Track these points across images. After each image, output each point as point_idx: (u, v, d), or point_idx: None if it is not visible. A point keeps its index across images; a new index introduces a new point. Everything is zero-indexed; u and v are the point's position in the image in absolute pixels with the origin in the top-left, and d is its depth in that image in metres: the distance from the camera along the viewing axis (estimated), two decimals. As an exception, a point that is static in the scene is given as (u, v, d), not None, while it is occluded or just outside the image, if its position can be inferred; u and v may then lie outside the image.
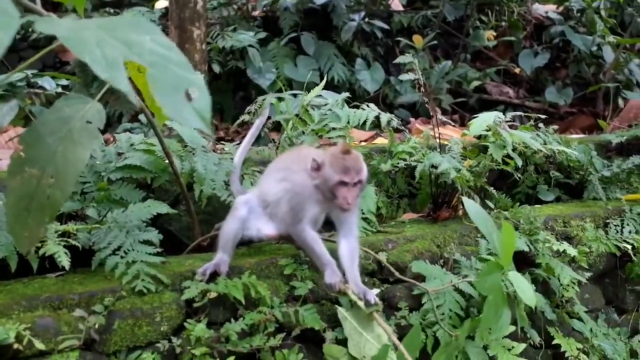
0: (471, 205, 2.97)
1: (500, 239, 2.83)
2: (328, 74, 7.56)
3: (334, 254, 3.01)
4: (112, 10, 8.23)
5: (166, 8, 7.28)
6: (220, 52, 7.53)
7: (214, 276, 2.87)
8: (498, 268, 2.84)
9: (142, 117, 5.88)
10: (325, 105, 4.20)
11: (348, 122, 4.18)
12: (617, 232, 4.40)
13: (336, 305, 3.04)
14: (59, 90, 5.82)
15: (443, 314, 3.25)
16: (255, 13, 8.71)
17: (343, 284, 2.93)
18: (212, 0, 8.37)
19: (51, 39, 5.94)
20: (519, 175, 4.38)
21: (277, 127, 4.36)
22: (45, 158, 2.23)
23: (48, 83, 5.82)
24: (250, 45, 7.38)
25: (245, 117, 4.16)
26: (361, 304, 2.92)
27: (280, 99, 4.28)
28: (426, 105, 4.30)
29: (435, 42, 8.21)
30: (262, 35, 7.76)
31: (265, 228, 3.09)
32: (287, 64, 7.67)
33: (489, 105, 8.06)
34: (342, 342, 2.98)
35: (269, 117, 4.04)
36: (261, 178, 3.28)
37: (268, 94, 4.42)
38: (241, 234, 3.04)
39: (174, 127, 3.78)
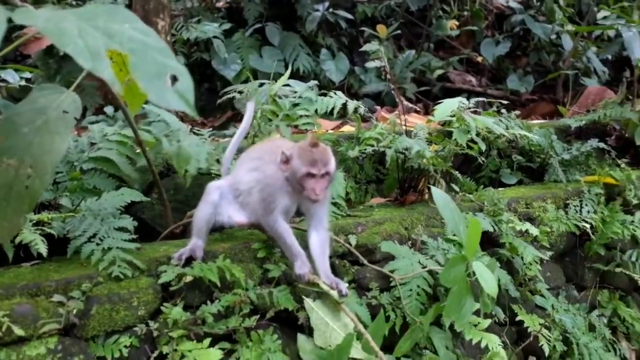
0: (439, 196, 3.04)
1: (466, 232, 2.94)
2: (293, 64, 7.62)
3: (304, 244, 3.09)
4: (74, 2, 8.15)
5: (130, 0, 7.26)
6: (185, 44, 7.54)
7: (189, 261, 2.93)
8: (462, 260, 2.95)
9: (108, 109, 5.89)
10: (295, 93, 4.27)
11: (316, 110, 4.27)
12: (577, 212, 4.57)
13: (302, 296, 3.10)
14: (22, 83, 5.79)
15: (411, 290, 3.35)
16: (219, 4, 8.73)
17: (312, 275, 2.99)
18: (176, -9, 8.37)
19: (12, 31, 5.84)
20: (483, 159, 4.51)
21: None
22: (22, 148, 2.26)
23: (11, 76, 5.79)
24: (215, 37, 7.41)
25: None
26: (334, 293, 2.99)
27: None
28: (392, 93, 4.39)
29: (399, 31, 8.34)
30: (227, 26, 7.79)
31: (237, 215, 3.15)
32: (252, 55, 7.71)
33: (452, 93, 8.21)
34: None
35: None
36: (235, 166, 3.33)
37: (237, 84, 4.46)
38: (214, 219, 3.10)
39: (155, 110, 3.79)
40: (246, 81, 5.68)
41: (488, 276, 2.96)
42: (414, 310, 3.30)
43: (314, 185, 2.91)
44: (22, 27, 6.90)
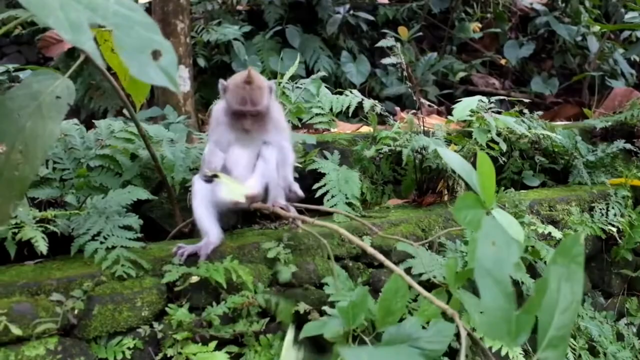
0: (445, 152, 2.66)
1: (478, 173, 2.43)
2: (314, 67, 7.55)
3: None
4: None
5: (150, 2, 7.23)
6: (205, 46, 7.48)
7: (193, 257, 2.84)
8: (479, 204, 2.42)
9: (126, 111, 5.86)
10: (302, 86, 4.20)
11: (331, 109, 4.18)
12: (603, 215, 4.38)
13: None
14: (42, 85, 5.77)
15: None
16: (240, 7, 8.67)
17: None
18: (195, -6, 8.34)
19: (34, 34, 5.88)
20: (504, 159, 4.36)
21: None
22: (13, 133, 2.18)
23: (30, 77, 5.77)
24: (235, 39, 7.34)
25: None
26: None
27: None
28: (413, 95, 4.26)
29: (420, 34, 8.21)
30: (247, 28, 7.72)
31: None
32: (272, 57, 7.63)
33: (475, 96, 8.05)
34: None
35: None
36: None
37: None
38: (212, 208, 3.00)
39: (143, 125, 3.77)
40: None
41: (511, 221, 2.47)
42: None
43: (243, 121, 2.95)
44: (45, 29, 6.92)
